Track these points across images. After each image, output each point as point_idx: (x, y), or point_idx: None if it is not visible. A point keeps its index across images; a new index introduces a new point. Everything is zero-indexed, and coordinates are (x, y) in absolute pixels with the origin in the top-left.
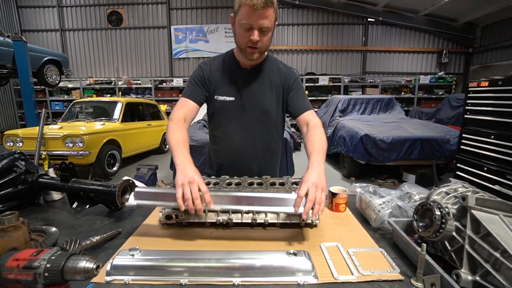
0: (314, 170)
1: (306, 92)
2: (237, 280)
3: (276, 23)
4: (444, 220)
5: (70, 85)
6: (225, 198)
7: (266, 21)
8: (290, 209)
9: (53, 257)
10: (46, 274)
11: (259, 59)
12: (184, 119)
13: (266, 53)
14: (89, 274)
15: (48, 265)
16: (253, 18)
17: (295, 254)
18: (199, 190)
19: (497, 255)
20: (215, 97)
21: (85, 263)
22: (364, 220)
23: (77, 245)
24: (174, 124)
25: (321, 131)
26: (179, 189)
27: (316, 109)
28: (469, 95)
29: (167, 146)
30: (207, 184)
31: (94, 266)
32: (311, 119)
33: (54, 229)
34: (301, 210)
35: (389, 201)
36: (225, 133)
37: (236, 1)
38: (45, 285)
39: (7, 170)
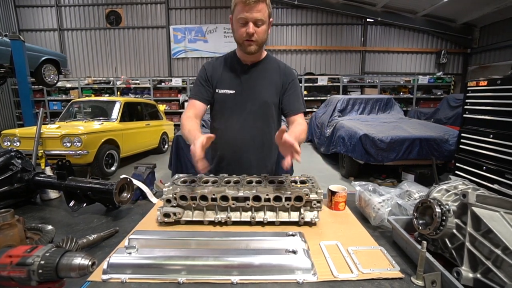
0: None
1: (305, 92)
2: (235, 279)
3: (271, 20)
4: (444, 217)
5: (68, 85)
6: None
7: (259, 14)
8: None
9: (47, 254)
10: (40, 271)
11: (258, 55)
12: (194, 117)
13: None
14: (84, 271)
15: (42, 262)
16: (247, 12)
17: (294, 252)
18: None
19: (498, 252)
20: (217, 90)
21: (80, 260)
22: (363, 218)
23: (73, 243)
24: (184, 119)
25: (303, 128)
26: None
27: (315, 109)
28: (468, 94)
29: (165, 146)
30: (205, 182)
31: (90, 263)
32: (300, 121)
33: (50, 227)
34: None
35: (389, 199)
36: (225, 125)
37: (232, 2)
38: (39, 282)
39: (3, 168)
